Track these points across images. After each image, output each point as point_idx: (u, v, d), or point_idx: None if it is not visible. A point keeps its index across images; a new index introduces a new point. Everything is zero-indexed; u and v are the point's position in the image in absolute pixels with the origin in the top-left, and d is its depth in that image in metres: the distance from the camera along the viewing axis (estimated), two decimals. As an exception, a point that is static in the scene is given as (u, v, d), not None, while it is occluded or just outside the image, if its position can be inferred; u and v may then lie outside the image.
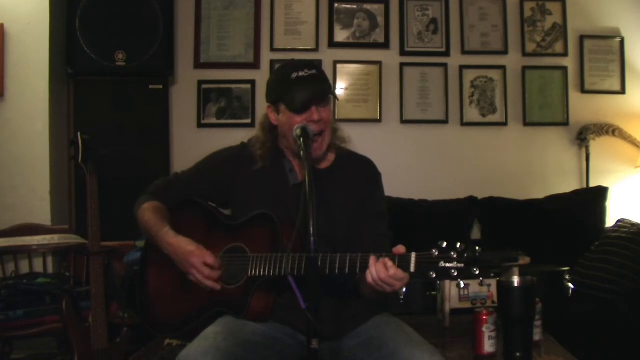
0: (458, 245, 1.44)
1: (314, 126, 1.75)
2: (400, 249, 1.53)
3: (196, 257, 1.72)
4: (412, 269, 1.48)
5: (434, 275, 1.45)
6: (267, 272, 1.67)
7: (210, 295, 1.76)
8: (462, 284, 1.47)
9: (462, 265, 1.43)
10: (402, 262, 1.49)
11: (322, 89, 1.78)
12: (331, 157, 1.90)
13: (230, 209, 1.93)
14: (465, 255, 1.43)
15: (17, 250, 2.97)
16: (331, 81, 3.87)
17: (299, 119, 1.74)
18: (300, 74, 1.76)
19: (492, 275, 1.45)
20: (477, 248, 1.43)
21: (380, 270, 1.49)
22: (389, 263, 1.49)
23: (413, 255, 1.49)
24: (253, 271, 1.70)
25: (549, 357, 2.02)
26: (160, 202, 1.90)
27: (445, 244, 1.45)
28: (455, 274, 1.43)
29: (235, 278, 1.74)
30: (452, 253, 1.44)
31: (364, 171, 1.91)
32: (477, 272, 1.42)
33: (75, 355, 2.44)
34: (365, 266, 1.53)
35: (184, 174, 1.97)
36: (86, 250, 2.64)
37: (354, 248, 1.61)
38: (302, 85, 1.74)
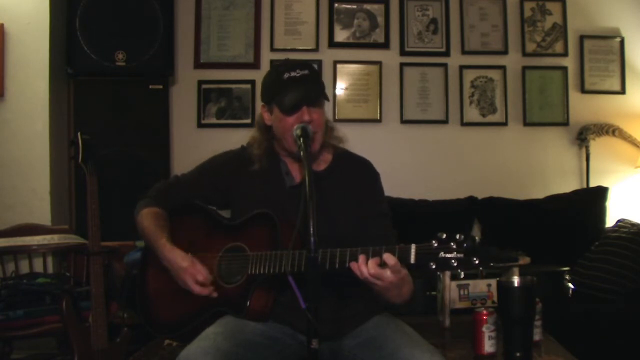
0: (457, 236, 1.44)
1: None
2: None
3: (188, 275, 1.73)
4: (412, 260, 1.48)
5: (434, 266, 1.45)
6: (266, 270, 1.67)
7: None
8: (462, 275, 1.47)
9: (462, 255, 1.43)
10: (402, 254, 1.49)
11: (313, 90, 1.77)
12: (328, 157, 1.89)
13: (230, 211, 1.93)
14: (465, 245, 1.43)
15: (17, 250, 2.96)
16: (331, 81, 3.92)
17: (290, 119, 1.74)
18: (292, 74, 1.76)
19: (492, 264, 1.45)
20: (476, 238, 1.44)
21: (372, 267, 1.49)
22: (388, 255, 1.49)
23: (413, 246, 1.49)
24: (253, 270, 1.70)
25: (549, 357, 2.02)
26: (160, 206, 1.90)
27: (444, 236, 1.45)
28: (455, 264, 1.43)
29: (235, 277, 1.74)
30: (452, 244, 1.44)
31: (362, 172, 1.91)
32: (477, 262, 1.42)
33: (75, 355, 2.44)
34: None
35: (184, 177, 1.98)
36: (86, 250, 2.64)
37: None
38: (293, 85, 1.74)
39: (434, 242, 1.46)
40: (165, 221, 1.88)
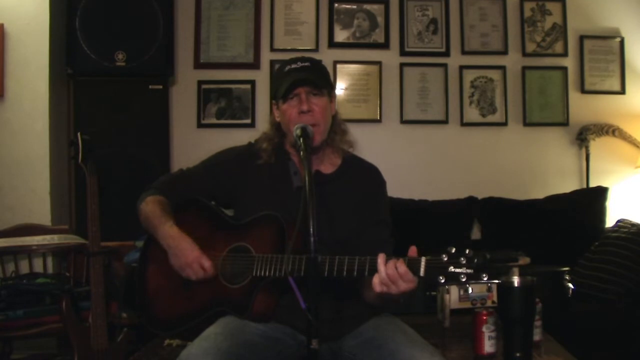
0: (467, 251, 1.45)
1: (305, 117, 1.75)
2: (412, 250, 1.52)
3: (194, 259, 1.72)
4: (422, 273, 1.48)
5: (443, 280, 1.46)
6: (272, 273, 1.67)
7: (212, 294, 1.76)
8: (470, 290, 1.48)
9: (471, 271, 1.44)
10: (412, 266, 1.49)
11: (310, 75, 1.78)
12: (337, 161, 1.90)
13: (234, 209, 1.93)
14: (475, 261, 1.44)
15: (17, 250, 2.96)
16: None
17: (290, 107, 1.76)
18: (293, 66, 1.80)
19: (498, 281, 1.46)
20: (487, 255, 1.44)
21: (390, 267, 1.49)
22: (400, 262, 1.49)
23: (423, 259, 1.49)
24: (258, 271, 1.70)
25: (549, 357, 2.02)
26: (164, 196, 1.89)
27: (454, 250, 1.46)
28: (464, 279, 1.44)
29: (239, 278, 1.74)
30: (462, 259, 1.44)
31: (369, 179, 1.91)
32: (486, 278, 1.43)
33: (75, 355, 2.44)
34: (373, 269, 1.53)
35: (189, 171, 1.97)
36: (86, 250, 2.64)
37: (355, 254, 1.60)
38: (292, 73, 1.78)
39: (443, 256, 1.46)
40: (170, 208, 1.86)
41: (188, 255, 1.73)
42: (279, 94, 1.79)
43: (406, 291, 1.50)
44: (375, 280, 1.51)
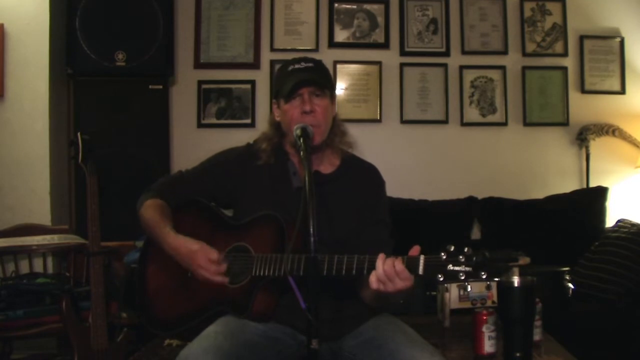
0: (465, 249, 1.45)
1: (307, 118, 1.75)
2: (415, 250, 1.52)
3: (200, 256, 1.71)
4: (421, 271, 1.48)
5: (442, 278, 1.46)
6: (271, 272, 1.67)
7: (212, 294, 1.76)
8: (469, 288, 1.49)
9: (470, 269, 1.44)
10: (410, 264, 1.49)
11: (313, 76, 1.79)
12: (336, 161, 1.90)
13: (233, 210, 1.93)
14: (474, 259, 1.44)
15: (17, 250, 2.96)
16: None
17: (292, 107, 1.76)
18: (297, 66, 1.80)
19: (497, 280, 1.46)
20: (486, 254, 1.44)
21: (387, 264, 1.49)
22: (398, 260, 1.49)
23: (422, 257, 1.49)
24: (257, 271, 1.70)
25: (549, 357, 2.02)
26: (164, 200, 1.89)
27: (452, 248, 1.46)
28: (463, 277, 1.44)
29: (239, 277, 1.74)
30: (460, 257, 1.44)
31: (369, 179, 1.91)
32: (485, 276, 1.43)
33: (75, 355, 2.44)
34: (372, 267, 1.53)
35: (188, 173, 1.97)
36: (86, 250, 2.64)
37: (354, 254, 1.60)
38: (296, 74, 1.78)
39: (442, 254, 1.46)
40: (169, 213, 1.86)
41: (193, 257, 1.72)
42: (281, 94, 1.79)
43: (402, 289, 1.50)
44: (372, 277, 1.51)
